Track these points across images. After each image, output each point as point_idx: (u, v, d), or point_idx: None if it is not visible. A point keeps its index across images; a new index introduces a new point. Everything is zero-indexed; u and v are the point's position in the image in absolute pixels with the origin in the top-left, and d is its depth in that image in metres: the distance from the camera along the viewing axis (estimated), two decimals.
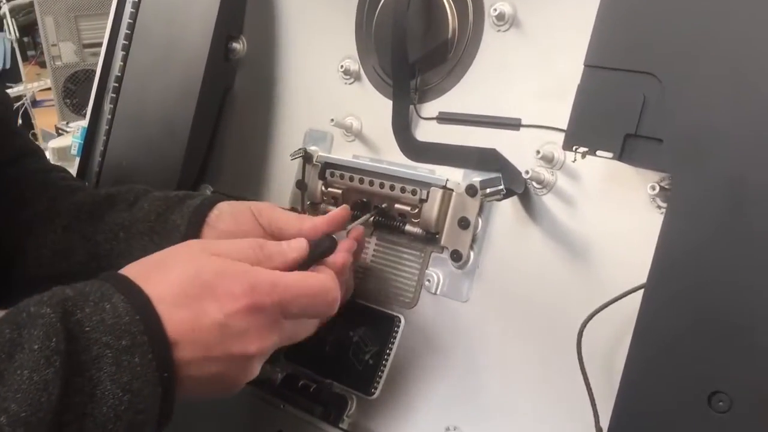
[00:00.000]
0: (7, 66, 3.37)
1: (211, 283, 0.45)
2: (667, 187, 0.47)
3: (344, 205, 0.60)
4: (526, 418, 0.53)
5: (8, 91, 2.60)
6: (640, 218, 0.50)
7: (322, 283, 0.50)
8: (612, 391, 0.46)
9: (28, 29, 2.75)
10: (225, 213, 0.59)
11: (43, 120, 2.56)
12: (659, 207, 0.49)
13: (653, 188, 0.47)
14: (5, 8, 2.70)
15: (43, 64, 2.44)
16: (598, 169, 0.52)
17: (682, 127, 0.44)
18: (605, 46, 0.47)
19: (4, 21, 2.77)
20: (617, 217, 0.51)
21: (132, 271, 0.46)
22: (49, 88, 2.31)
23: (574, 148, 0.48)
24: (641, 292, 0.45)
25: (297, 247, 0.51)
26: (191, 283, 0.45)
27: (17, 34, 2.73)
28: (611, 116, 0.47)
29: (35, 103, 2.72)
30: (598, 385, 0.48)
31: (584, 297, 0.51)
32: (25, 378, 0.38)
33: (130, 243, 0.59)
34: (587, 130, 0.47)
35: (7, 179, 0.64)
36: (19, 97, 2.64)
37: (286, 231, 0.56)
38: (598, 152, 0.47)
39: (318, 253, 0.53)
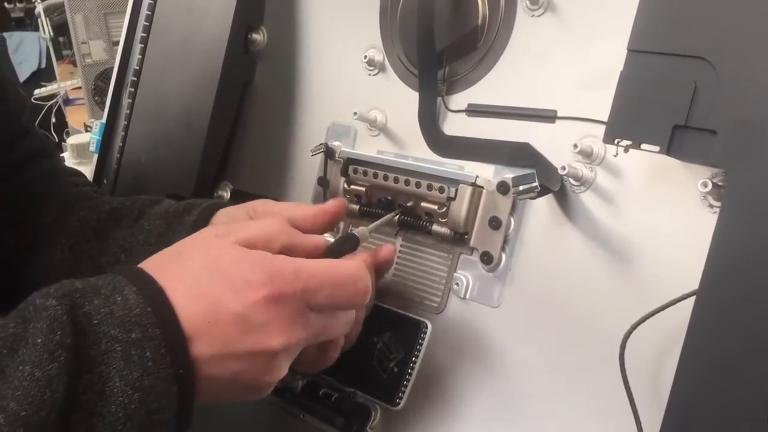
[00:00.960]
0: (43, 65, 3.42)
1: (229, 273, 0.42)
2: (720, 183, 0.43)
3: (339, 198, 0.56)
4: None
5: (42, 90, 2.66)
6: (689, 218, 0.45)
7: (351, 270, 0.45)
8: (658, 406, 0.42)
9: (63, 28, 2.78)
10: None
11: (75, 118, 2.57)
12: (711, 206, 0.44)
13: (705, 185, 0.43)
14: (39, 8, 2.72)
15: (76, 63, 2.45)
16: (643, 164, 0.47)
17: (739, 118, 0.39)
18: (651, 29, 0.43)
19: (39, 20, 2.79)
20: (664, 217, 0.47)
21: (148, 264, 0.43)
22: (81, 87, 2.32)
23: (616, 141, 0.44)
24: (692, 299, 0.41)
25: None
26: (208, 273, 0.42)
27: (51, 34, 2.75)
28: (658, 106, 0.42)
29: (68, 101, 2.74)
30: (642, 400, 0.44)
31: (627, 304, 0.47)
32: (26, 374, 0.35)
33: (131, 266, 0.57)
34: (631, 121, 0.43)
35: (18, 182, 0.62)
36: (52, 96, 2.67)
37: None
38: (643, 145, 0.43)
39: (337, 251, 0.49)
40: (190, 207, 0.59)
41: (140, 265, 0.43)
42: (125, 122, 0.76)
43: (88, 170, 0.79)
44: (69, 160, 1.58)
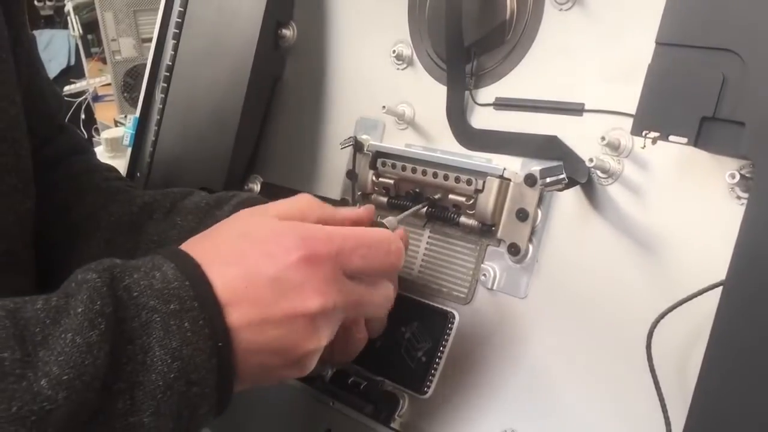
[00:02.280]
0: (72, 63, 3.47)
1: (264, 239, 0.43)
2: (748, 175, 0.43)
3: (369, 205, 0.56)
4: (589, 424, 0.49)
5: (71, 87, 2.70)
6: (716, 210, 0.46)
7: (383, 233, 0.47)
8: (684, 396, 0.43)
9: (93, 26, 2.82)
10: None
11: (104, 114, 2.62)
12: (739, 198, 0.45)
13: (732, 177, 0.43)
14: (69, 6, 2.77)
15: (105, 60, 2.49)
16: (670, 156, 0.48)
17: (767, 109, 0.40)
18: (679, 22, 0.43)
19: (68, 18, 2.84)
20: (691, 208, 0.47)
21: (186, 244, 0.44)
22: (110, 83, 2.36)
23: (643, 134, 0.44)
24: (719, 290, 0.41)
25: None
26: (242, 240, 0.43)
27: (81, 31, 2.80)
28: (686, 98, 0.43)
29: (97, 98, 2.78)
30: (669, 390, 0.44)
31: (654, 295, 0.47)
32: (68, 341, 0.36)
33: None
34: (659, 113, 0.44)
35: (52, 179, 0.63)
36: (81, 93, 2.71)
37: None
38: (671, 137, 0.43)
39: None
40: (221, 201, 0.60)
41: (179, 247, 0.44)
42: (158, 117, 0.77)
43: (121, 164, 0.81)
44: (103, 153, 1.61)
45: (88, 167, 0.69)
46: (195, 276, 0.40)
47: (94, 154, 0.75)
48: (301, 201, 0.49)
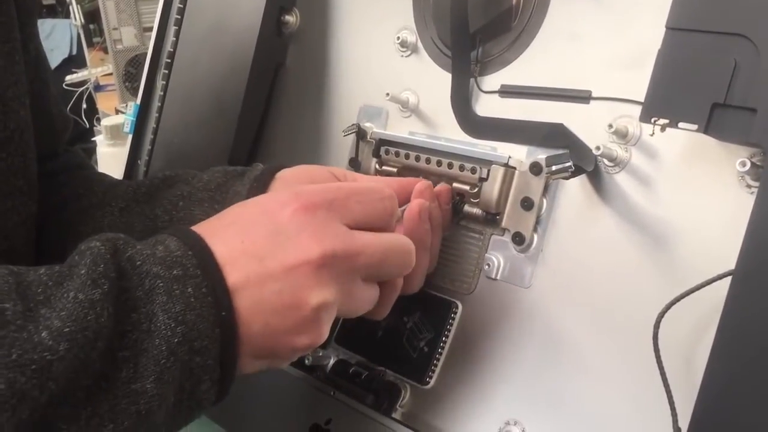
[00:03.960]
0: (74, 52, 3.46)
1: (260, 201, 0.44)
2: (759, 163, 0.42)
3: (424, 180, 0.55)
4: (594, 415, 0.49)
5: (73, 76, 2.69)
6: (725, 198, 0.45)
7: (375, 184, 0.47)
8: (691, 387, 0.42)
9: (94, 16, 2.81)
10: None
11: (106, 104, 2.61)
12: (749, 186, 0.44)
13: (743, 165, 0.42)
14: None
15: (106, 50, 2.48)
16: (679, 143, 0.47)
17: None
18: (690, 6, 0.42)
19: (70, 8, 2.83)
20: (699, 197, 0.46)
21: (199, 226, 0.44)
22: (112, 73, 2.35)
23: (652, 120, 0.43)
24: (727, 280, 0.40)
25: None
26: (242, 207, 0.44)
27: (82, 21, 2.79)
28: (696, 84, 0.42)
29: (98, 87, 2.77)
30: (676, 381, 0.43)
31: (661, 285, 0.46)
32: (70, 298, 0.35)
33: (191, 209, 0.56)
34: (668, 99, 0.43)
35: (55, 184, 0.62)
36: (83, 82, 2.70)
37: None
38: (681, 124, 0.42)
39: None
40: (256, 167, 0.58)
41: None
42: (159, 104, 0.77)
43: (122, 152, 0.81)
44: (103, 141, 1.60)
45: (94, 176, 0.68)
46: (198, 246, 0.40)
47: (95, 171, 0.74)
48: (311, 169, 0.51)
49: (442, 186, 0.55)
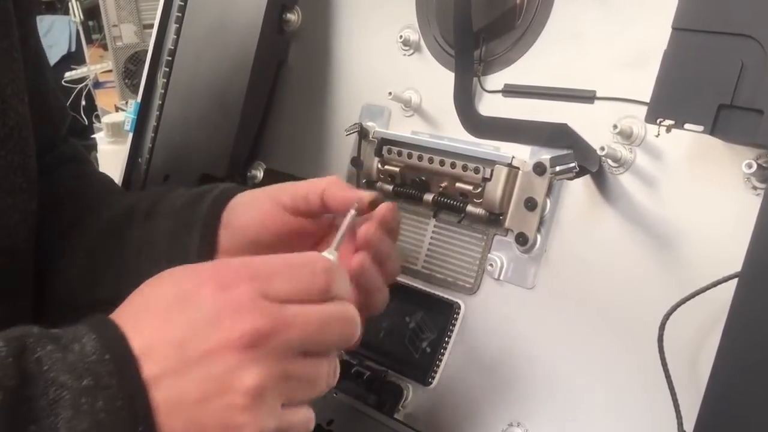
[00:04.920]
0: (73, 49, 3.45)
1: (177, 282, 0.38)
2: (765, 165, 0.42)
3: (375, 192, 0.49)
4: (599, 417, 0.48)
5: (72, 73, 2.68)
6: (731, 200, 0.45)
7: (308, 255, 0.40)
8: (696, 388, 0.42)
9: (93, 13, 2.80)
10: (239, 205, 0.53)
11: (105, 100, 2.60)
12: (755, 188, 0.44)
13: (749, 166, 0.42)
14: None
15: (106, 47, 2.48)
16: (684, 145, 0.47)
17: None
18: (697, 6, 0.42)
19: (69, 4, 2.82)
20: (705, 198, 0.46)
21: (116, 313, 0.39)
22: (111, 70, 2.34)
23: (658, 121, 0.43)
24: (733, 282, 0.40)
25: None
26: (158, 288, 0.38)
27: (81, 17, 2.78)
28: (702, 85, 0.42)
29: (98, 84, 2.77)
30: (681, 384, 0.43)
31: (666, 287, 0.46)
32: None
33: (150, 269, 0.55)
34: (674, 100, 0.43)
35: (44, 184, 0.59)
36: (82, 79, 2.69)
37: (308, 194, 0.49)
38: (686, 125, 0.42)
39: None
40: (205, 193, 0.55)
41: (111, 316, 0.38)
42: (160, 102, 0.76)
43: (122, 149, 0.80)
44: (103, 139, 1.59)
45: (80, 174, 0.68)
46: (118, 348, 0.35)
47: (91, 164, 0.74)
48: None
49: (385, 207, 0.48)
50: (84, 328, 0.36)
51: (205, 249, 0.52)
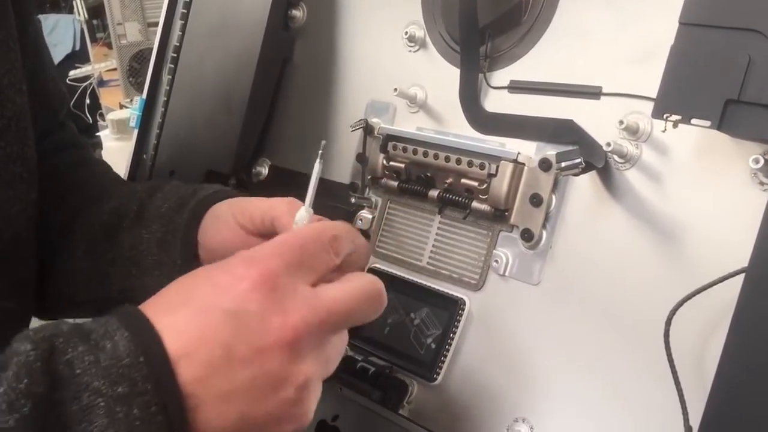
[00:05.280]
0: (77, 48, 3.45)
1: (210, 275, 0.37)
2: None
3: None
4: (604, 413, 0.48)
5: (76, 71, 2.69)
6: (738, 196, 0.45)
7: (308, 232, 0.40)
8: (702, 385, 0.42)
9: (98, 11, 2.81)
10: (209, 219, 0.54)
11: (109, 99, 2.60)
12: (762, 183, 0.44)
13: (756, 161, 0.42)
14: None
15: (110, 45, 2.48)
16: (691, 140, 0.47)
17: None
18: (703, 1, 0.42)
19: (74, 3, 2.83)
20: (711, 194, 0.46)
21: (149, 304, 0.38)
22: (115, 68, 2.35)
23: (665, 116, 0.43)
24: (740, 278, 0.40)
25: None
26: (191, 287, 0.37)
27: (86, 16, 2.78)
28: (710, 80, 0.41)
29: (102, 82, 2.77)
30: (687, 379, 0.43)
31: (672, 283, 0.46)
32: None
33: (143, 280, 0.56)
34: (681, 95, 0.42)
35: (43, 172, 0.58)
36: (86, 77, 2.70)
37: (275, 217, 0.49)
38: (693, 120, 0.42)
39: None
40: (183, 204, 0.56)
41: (142, 306, 0.37)
42: (165, 99, 0.76)
43: (127, 146, 0.80)
44: (109, 135, 1.60)
45: (78, 160, 0.68)
46: (153, 350, 0.34)
47: (89, 149, 0.74)
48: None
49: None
50: (115, 323, 0.35)
51: (188, 254, 0.54)
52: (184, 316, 0.35)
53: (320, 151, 0.45)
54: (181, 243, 0.54)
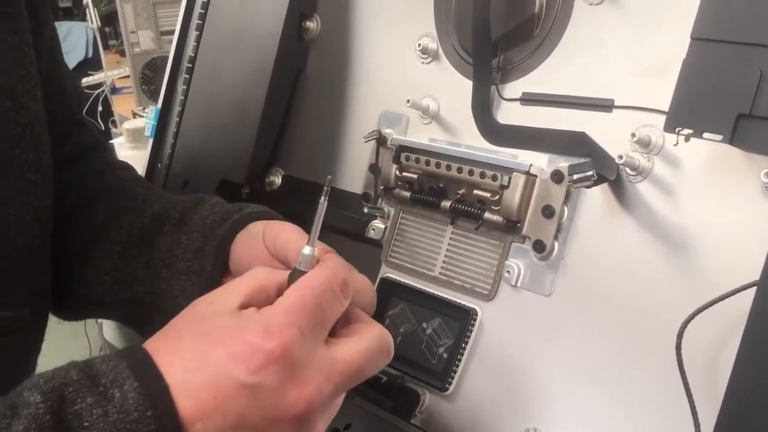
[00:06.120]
0: (90, 55, 3.49)
1: (223, 338, 0.38)
2: None
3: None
4: (616, 424, 0.49)
5: (89, 78, 2.71)
6: (749, 209, 0.45)
7: (319, 277, 0.41)
8: (714, 397, 0.42)
9: (110, 19, 2.84)
10: (240, 240, 0.54)
11: (121, 106, 2.63)
12: None
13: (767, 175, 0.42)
14: None
15: (123, 53, 2.51)
16: (703, 154, 0.47)
17: None
18: (716, 16, 0.43)
19: (87, 10, 2.86)
20: (723, 207, 0.46)
21: (150, 344, 0.39)
22: (128, 76, 2.37)
23: (677, 130, 0.43)
24: (752, 290, 0.40)
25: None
26: (204, 341, 0.38)
27: (99, 24, 2.81)
28: (721, 94, 0.42)
29: (115, 90, 2.80)
30: (699, 392, 0.43)
31: (684, 295, 0.46)
32: None
33: (171, 283, 0.56)
34: (693, 109, 0.43)
35: (67, 179, 0.60)
36: (99, 85, 2.72)
37: (289, 250, 0.50)
38: (705, 134, 0.42)
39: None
40: (226, 217, 0.57)
41: (145, 345, 0.39)
42: (180, 108, 0.77)
43: (142, 155, 0.81)
44: (123, 144, 1.61)
45: (103, 165, 0.68)
46: (160, 403, 0.35)
47: (111, 151, 0.74)
48: (259, 275, 0.43)
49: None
50: (125, 370, 0.36)
51: (219, 264, 0.54)
52: (200, 380, 0.36)
53: (326, 188, 0.43)
54: (214, 252, 0.55)
